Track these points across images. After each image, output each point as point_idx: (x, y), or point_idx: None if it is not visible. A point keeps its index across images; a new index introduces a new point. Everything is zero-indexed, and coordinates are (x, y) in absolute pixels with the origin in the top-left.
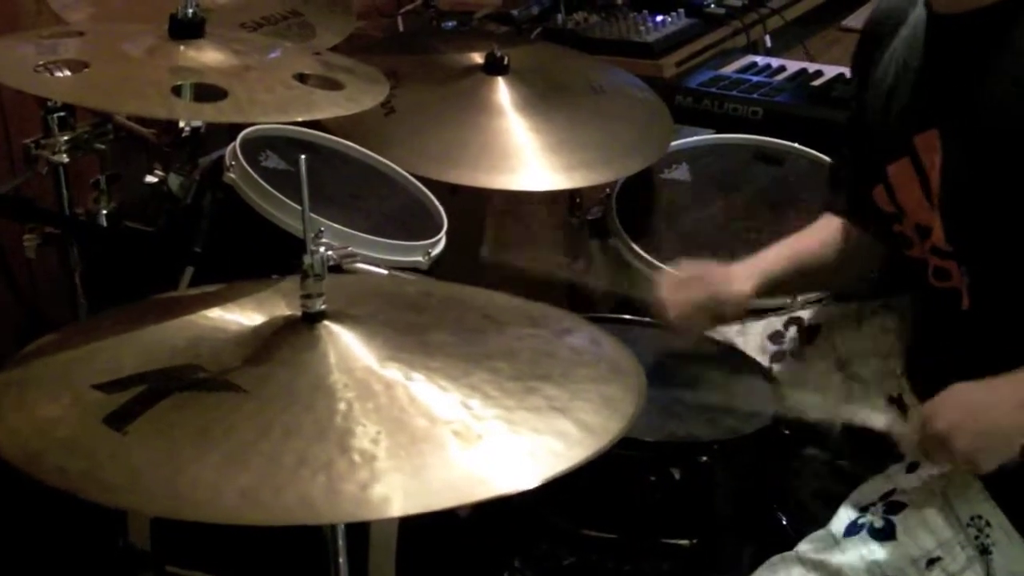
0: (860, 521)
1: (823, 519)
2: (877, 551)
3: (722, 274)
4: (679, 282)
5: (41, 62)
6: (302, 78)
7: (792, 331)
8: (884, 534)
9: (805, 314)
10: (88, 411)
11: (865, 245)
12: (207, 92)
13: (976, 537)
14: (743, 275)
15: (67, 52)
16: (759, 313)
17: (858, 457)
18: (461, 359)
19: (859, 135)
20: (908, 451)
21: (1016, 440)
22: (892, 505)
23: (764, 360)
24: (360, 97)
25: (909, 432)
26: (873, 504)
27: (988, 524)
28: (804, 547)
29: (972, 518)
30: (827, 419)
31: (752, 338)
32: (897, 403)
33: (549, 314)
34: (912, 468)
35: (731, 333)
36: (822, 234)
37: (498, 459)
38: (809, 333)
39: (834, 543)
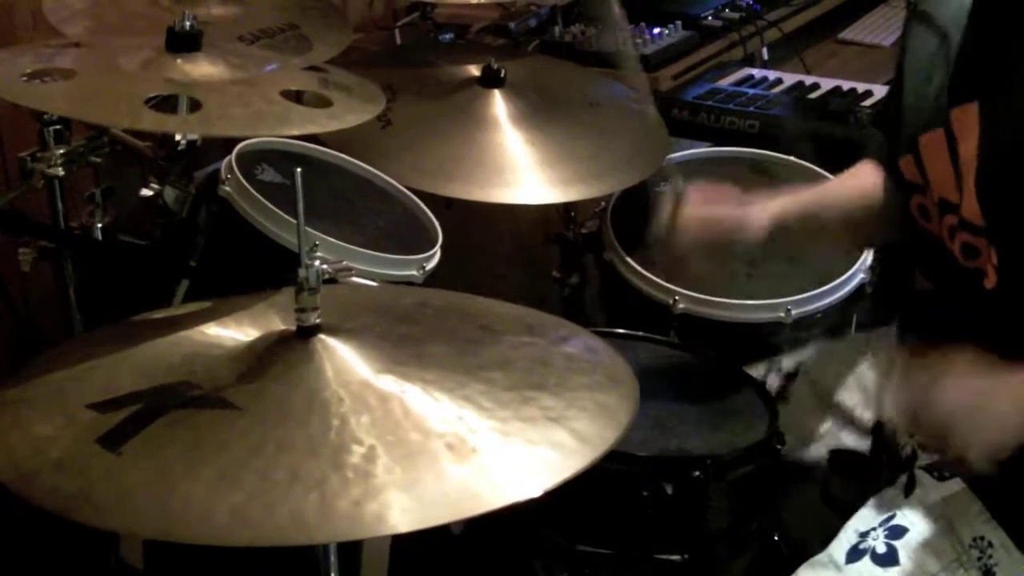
0: (862, 546)
1: (816, 537)
2: None
3: (735, 220)
4: (691, 223)
5: (29, 70)
6: (290, 94)
7: (772, 376)
8: (887, 559)
9: (785, 361)
10: (82, 431)
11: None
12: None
13: (979, 559)
14: (757, 221)
15: (61, 63)
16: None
17: (847, 481)
18: (456, 370)
19: (896, 105)
20: (895, 415)
21: (1011, 441)
22: (894, 530)
23: None
24: (345, 116)
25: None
26: (874, 528)
27: (991, 545)
28: (805, 573)
29: (974, 539)
30: (813, 456)
31: None
32: (884, 427)
33: (546, 322)
34: (909, 491)
35: None
36: (852, 182)
37: (493, 472)
38: (790, 377)
39: (836, 569)
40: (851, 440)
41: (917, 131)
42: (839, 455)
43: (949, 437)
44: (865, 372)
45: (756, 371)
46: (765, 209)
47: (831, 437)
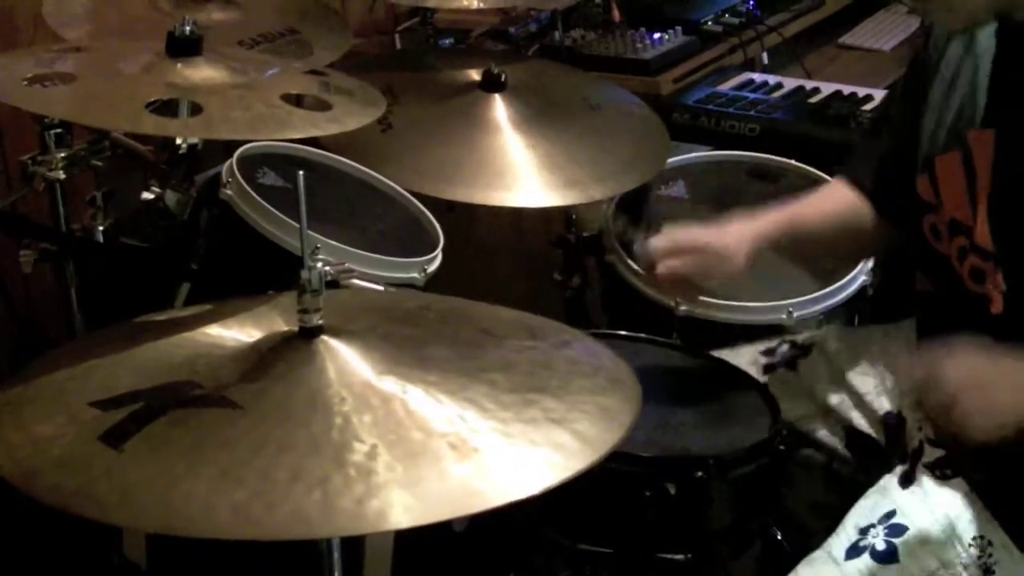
0: (862, 544)
1: (819, 530)
2: (880, 574)
3: (717, 248)
4: (671, 249)
5: (30, 75)
6: (290, 98)
7: (785, 347)
8: (887, 556)
9: (799, 336)
10: (84, 429)
11: (869, 228)
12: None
13: (979, 557)
14: (736, 247)
15: (62, 67)
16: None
17: (854, 456)
18: (458, 372)
19: (907, 122)
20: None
21: (1009, 421)
22: (894, 528)
23: (756, 372)
24: (346, 120)
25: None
26: (873, 526)
27: (991, 544)
28: (804, 570)
29: (974, 538)
30: (821, 432)
31: (745, 351)
32: (896, 417)
33: (547, 326)
34: (906, 482)
35: (723, 349)
36: (826, 204)
37: (494, 471)
38: (803, 349)
39: (835, 566)
40: (861, 421)
41: (934, 151)
42: (855, 435)
43: (952, 412)
44: (879, 360)
45: (767, 343)
46: (744, 235)
47: (842, 414)
